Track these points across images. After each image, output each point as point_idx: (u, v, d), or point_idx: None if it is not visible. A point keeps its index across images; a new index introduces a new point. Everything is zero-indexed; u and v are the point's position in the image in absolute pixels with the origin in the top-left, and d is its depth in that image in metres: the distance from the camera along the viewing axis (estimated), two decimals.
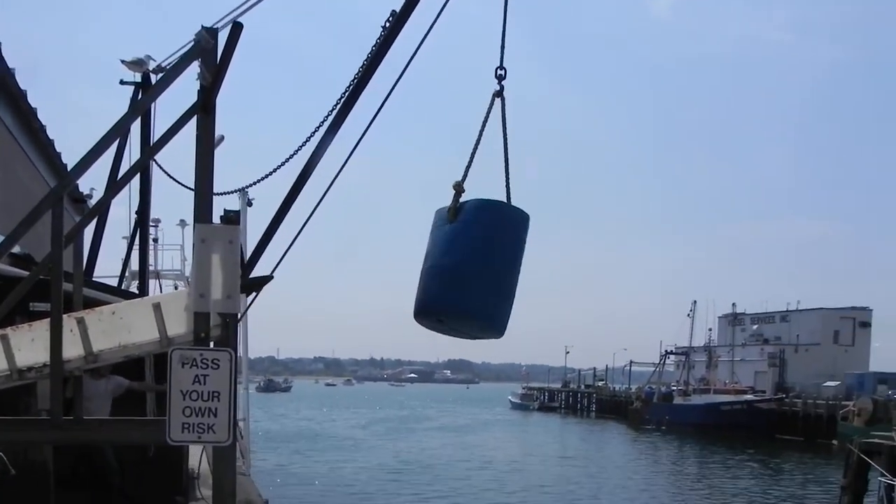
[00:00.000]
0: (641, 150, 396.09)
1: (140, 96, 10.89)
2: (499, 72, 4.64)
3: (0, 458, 5.59)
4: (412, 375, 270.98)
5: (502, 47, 4.60)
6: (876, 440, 21.66)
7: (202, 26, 4.13)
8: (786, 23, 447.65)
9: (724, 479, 36.52)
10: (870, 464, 20.57)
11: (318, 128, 4.79)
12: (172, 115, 4.21)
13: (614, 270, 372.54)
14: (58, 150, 12.71)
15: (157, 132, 9.23)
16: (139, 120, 9.85)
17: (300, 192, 4.79)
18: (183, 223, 22.91)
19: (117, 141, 8.74)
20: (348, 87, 4.76)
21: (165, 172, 9.36)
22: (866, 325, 75.72)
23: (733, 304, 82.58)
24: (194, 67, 4.13)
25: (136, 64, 10.77)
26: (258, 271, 4.86)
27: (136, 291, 12.64)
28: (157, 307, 4.70)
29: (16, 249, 6.72)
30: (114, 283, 14.16)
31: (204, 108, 4.14)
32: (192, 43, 4.16)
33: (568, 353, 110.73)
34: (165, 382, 4.02)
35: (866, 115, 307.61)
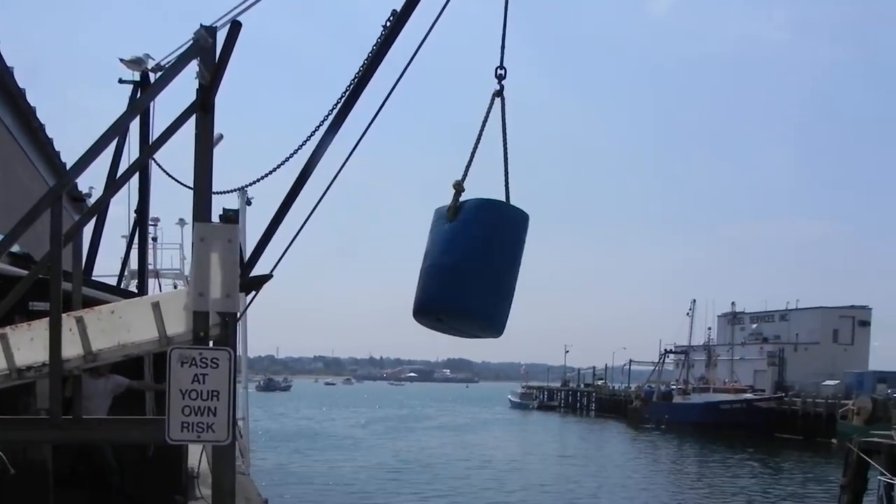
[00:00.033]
0: (641, 150, 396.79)
1: (139, 95, 10.88)
2: (499, 71, 4.65)
3: None
4: (412, 374, 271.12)
5: (502, 47, 4.61)
6: (875, 439, 21.67)
7: (201, 25, 4.13)
8: (785, 23, 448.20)
9: (724, 477, 36.54)
10: (869, 463, 20.58)
11: (319, 127, 4.79)
12: (171, 114, 4.21)
13: (614, 270, 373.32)
14: (57, 148, 12.70)
15: (155, 131, 9.23)
16: (138, 119, 9.84)
17: (300, 191, 4.79)
18: (182, 222, 22.91)
19: (116, 140, 8.72)
20: (349, 86, 4.76)
21: (164, 171, 9.37)
22: (865, 323, 75.76)
23: (732, 303, 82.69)
24: (193, 66, 4.12)
25: (135, 63, 10.75)
26: (258, 270, 4.86)
27: (136, 290, 12.62)
28: (156, 306, 4.69)
29: (15, 248, 6.72)
30: (113, 282, 14.16)
31: (203, 107, 4.13)
32: (191, 42, 4.16)
33: (567, 352, 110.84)
34: (164, 381, 4.01)
35: (866, 115, 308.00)
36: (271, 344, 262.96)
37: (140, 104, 7.96)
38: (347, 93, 4.76)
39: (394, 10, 4.63)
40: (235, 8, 5.00)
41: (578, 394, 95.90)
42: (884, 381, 58.74)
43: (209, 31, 4.11)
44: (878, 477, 19.89)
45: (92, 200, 14.63)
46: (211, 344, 4.19)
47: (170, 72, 4.33)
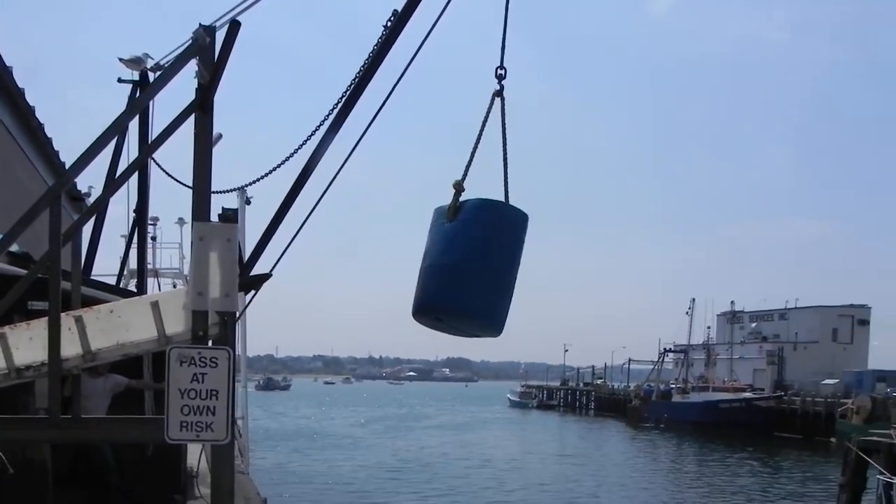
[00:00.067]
0: (641, 150, 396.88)
1: (138, 94, 10.87)
2: (499, 71, 4.64)
3: None
4: (411, 374, 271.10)
5: (503, 47, 4.60)
6: (874, 438, 21.70)
7: (200, 24, 4.13)
8: (785, 22, 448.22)
9: (723, 477, 36.56)
10: (868, 462, 20.60)
11: (319, 127, 4.79)
12: (170, 114, 4.21)
13: (613, 269, 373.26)
14: (56, 148, 12.68)
15: (155, 130, 9.23)
16: (137, 118, 9.84)
17: (301, 190, 4.79)
18: (181, 221, 22.91)
19: (115, 139, 8.72)
20: (349, 86, 4.76)
21: (163, 170, 9.38)
22: (865, 322, 75.79)
23: (732, 303, 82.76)
24: (192, 66, 4.12)
25: (134, 62, 10.74)
26: (258, 269, 4.86)
27: (135, 290, 12.62)
28: (155, 305, 4.69)
29: (14, 248, 6.72)
30: (112, 281, 14.17)
31: (202, 107, 4.13)
32: (190, 41, 4.15)
33: (567, 351, 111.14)
34: (164, 381, 4.01)
35: (866, 115, 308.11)
36: (271, 343, 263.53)
37: (139, 103, 7.96)
38: (348, 92, 4.76)
39: (395, 10, 4.63)
40: (235, 7, 5.00)
41: (578, 393, 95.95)
42: (883, 380, 58.74)
43: (208, 31, 4.11)
44: (877, 476, 19.92)
45: (91, 200, 14.62)
46: (210, 343, 4.19)
47: (169, 71, 4.32)
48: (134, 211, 12.27)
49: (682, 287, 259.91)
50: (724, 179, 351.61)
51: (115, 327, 4.77)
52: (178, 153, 4.92)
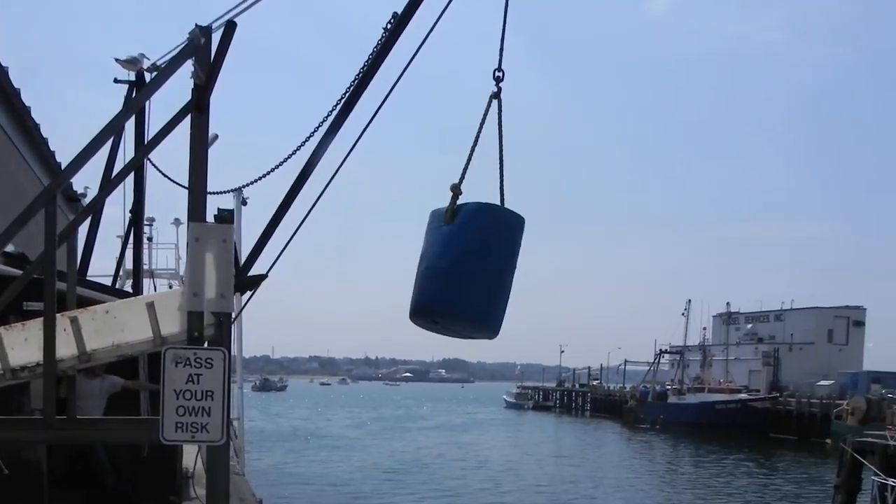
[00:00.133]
0: (638, 150, 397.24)
1: (134, 95, 10.85)
2: (497, 73, 4.64)
3: None
4: (407, 375, 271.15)
5: (501, 49, 4.60)
6: (869, 439, 21.77)
7: (196, 25, 4.12)
8: (784, 22, 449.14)
9: (719, 478, 36.63)
10: (863, 463, 20.67)
11: (318, 128, 4.78)
12: (166, 114, 4.21)
13: (609, 270, 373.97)
14: (52, 148, 12.67)
15: (151, 131, 9.20)
16: (133, 119, 9.81)
17: (300, 192, 4.79)
18: (177, 222, 22.86)
19: (111, 139, 8.72)
20: (349, 87, 4.75)
21: (159, 171, 9.31)
22: (860, 324, 76.06)
23: (727, 304, 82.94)
24: (188, 66, 4.12)
25: (131, 62, 10.71)
26: (255, 270, 4.85)
27: (130, 290, 12.59)
28: (150, 306, 4.69)
29: (9, 248, 6.70)
30: (108, 282, 14.09)
31: (198, 107, 4.13)
32: (186, 42, 4.15)
33: (563, 352, 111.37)
34: (159, 382, 4.01)
35: (864, 115, 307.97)
36: (267, 344, 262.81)
37: (135, 104, 7.95)
38: (347, 94, 4.76)
39: (395, 12, 4.63)
40: (234, 8, 4.99)
41: (574, 394, 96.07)
42: (878, 382, 59.00)
43: (204, 31, 4.11)
44: (872, 477, 19.99)
45: (87, 200, 14.60)
46: (205, 344, 4.19)
47: (165, 72, 4.32)
48: (130, 211, 12.22)
49: (678, 288, 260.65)
50: (721, 180, 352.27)
51: (111, 328, 4.77)
52: (174, 154, 4.91)
